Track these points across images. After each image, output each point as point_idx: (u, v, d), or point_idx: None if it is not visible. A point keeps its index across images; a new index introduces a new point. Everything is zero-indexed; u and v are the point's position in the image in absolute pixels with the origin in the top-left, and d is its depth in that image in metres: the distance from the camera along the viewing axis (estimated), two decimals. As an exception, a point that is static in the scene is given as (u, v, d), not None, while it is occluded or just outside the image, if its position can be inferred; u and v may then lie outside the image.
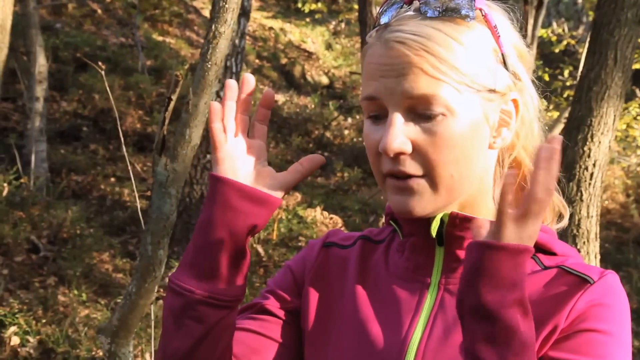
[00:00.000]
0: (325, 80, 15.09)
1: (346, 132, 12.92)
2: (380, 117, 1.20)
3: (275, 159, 11.15)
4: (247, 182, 1.24)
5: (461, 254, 1.23)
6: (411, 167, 1.18)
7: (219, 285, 1.22)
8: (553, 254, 1.25)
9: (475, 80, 1.17)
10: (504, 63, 1.21)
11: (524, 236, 1.02)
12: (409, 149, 1.16)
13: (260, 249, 8.13)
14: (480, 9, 1.18)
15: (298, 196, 9.94)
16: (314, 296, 1.36)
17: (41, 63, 8.81)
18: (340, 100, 14.09)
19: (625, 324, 1.20)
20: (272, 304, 1.38)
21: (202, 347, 1.23)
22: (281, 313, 1.37)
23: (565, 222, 1.35)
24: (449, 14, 1.16)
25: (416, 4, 1.18)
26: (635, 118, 13.09)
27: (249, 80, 1.28)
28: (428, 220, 1.22)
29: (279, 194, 1.27)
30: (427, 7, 1.16)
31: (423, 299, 1.25)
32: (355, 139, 12.90)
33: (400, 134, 1.15)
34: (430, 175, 1.18)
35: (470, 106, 1.17)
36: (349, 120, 13.73)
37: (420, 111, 1.16)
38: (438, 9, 1.16)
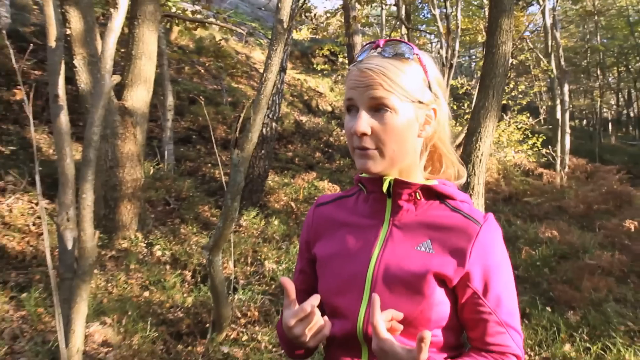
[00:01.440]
0: (329, 108, 15.04)
1: (341, 138, 12.85)
2: (354, 111, 1.20)
3: (301, 153, 11.15)
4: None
5: (401, 203, 1.24)
6: (369, 143, 1.19)
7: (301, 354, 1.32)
8: (454, 199, 1.26)
9: (411, 95, 1.18)
10: (429, 87, 1.22)
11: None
12: (369, 131, 1.17)
13: (293, 204, 8.14)
14: (417, 54, 1.20)
15: (314, 174, 9.95)
16: (316, 241, 1.37)
17: (170, 100, 8.85)
18: (338, 120, 14.05)
19: (503, 249, 1.24)
20: (302, 265, 1.42)
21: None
22: (307, 267, 1.40)
23: (463, 179, 1.34)
24: (397, 56, 1.18)
25: (379, 49, 1.19)
26: (503, 131, 13.18)
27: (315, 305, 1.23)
28: (381, 182, 1.23)
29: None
30: (385, 51, 1.19)
31: (380, 229, 1.25)
32: (346, 143, 12.83)
33: (365, 123, 1.17)
34: (380, 148, 1.19)
35: (407, 109, 1.18)
36: (343, 131, 13.51)
37: (377, 109, 1.17)
38: (391, 53, 1.18)
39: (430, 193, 1.25)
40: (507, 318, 1.18)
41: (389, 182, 1.22)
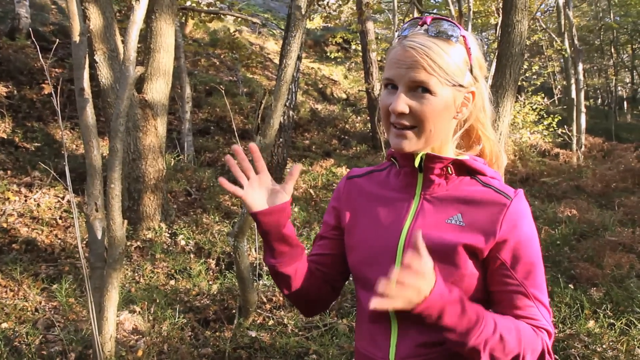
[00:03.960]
0: (344, 95, 14.99)
1: (357, 125, 12.84)
2: (392, 88, 1.18)
3: (318, 141, 11.14)
4: (266, 204, 1.24)
5: (433, 177, 1.23)
6: (407, 121, 1.17)
7: (278, 259, 1.27)
8: (485, 175, 1.25)
9: (452, 78, 1.16)
10: (471, 70, 1.20)
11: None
12: (407, 111, 1.15)
13: (312, 191, 8.14)
14: (464, 36, 1.18)
15: (332, 161, 9.94)
16: (346, 211, 1.35)
17: (187, 92, 8.87)
18: (353, 107, 13.99)
19: (533, 224, 1.22)
20: (325, 231, 1.40)
21: (292, 282, 1.31)
22: (330, 234, 1.39)
23: (503, 162, 1.35)
24: (443, 36, 1.16)
25: (425, 26, 1.17)
26: (518, 112, 13.08)
27: (253, 149, 1.28)
28: (413, 157, 1.22)
29: (286, 197, 1.25)
30: (430, 29, 1.16)
31: (411, 202, 1.25)
32: (362, 129, 12.87)
33: (403, 102, 1.15)
34: (416, 127, 1.17)
35: (446, 93, 1.16)
36: (358, 118, 13.56)
37: (417, 90, 1.15)
38: (436, 32, 1.16)
39: (462, 168, 1.24)
40: (535, 292, 1.18)
41: (421, 157, 1.21)
